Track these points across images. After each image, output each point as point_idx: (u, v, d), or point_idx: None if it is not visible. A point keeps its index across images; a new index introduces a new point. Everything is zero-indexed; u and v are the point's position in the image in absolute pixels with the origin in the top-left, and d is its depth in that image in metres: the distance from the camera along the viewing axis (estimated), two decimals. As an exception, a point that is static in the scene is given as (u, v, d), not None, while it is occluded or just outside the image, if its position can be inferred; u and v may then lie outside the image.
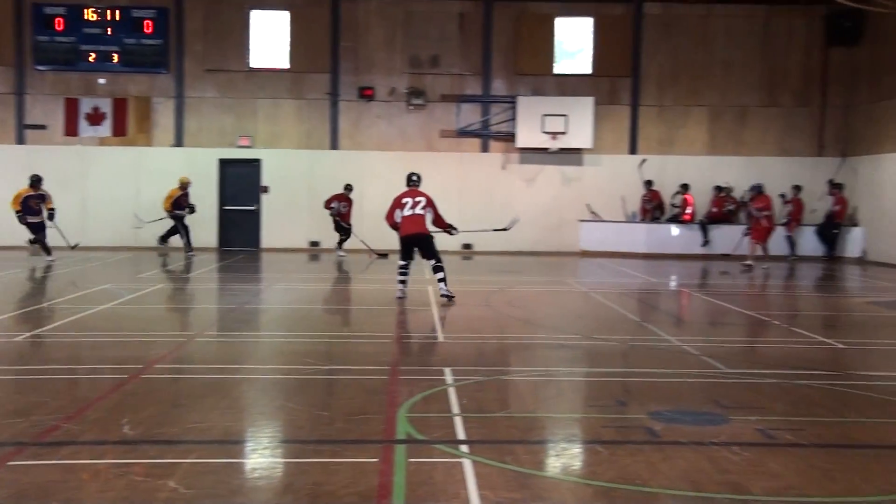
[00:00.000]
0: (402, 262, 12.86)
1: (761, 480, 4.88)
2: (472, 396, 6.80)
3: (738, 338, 10.40)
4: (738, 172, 22.78)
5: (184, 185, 20.34)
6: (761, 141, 23.23)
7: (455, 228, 13.14)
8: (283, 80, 22.81)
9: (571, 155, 22.77)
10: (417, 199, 12.81)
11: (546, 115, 22.28)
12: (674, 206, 22.55)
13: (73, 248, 19.63)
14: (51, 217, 18.39)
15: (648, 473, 4.97)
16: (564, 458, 5.41)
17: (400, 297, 12.70)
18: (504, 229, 14.95)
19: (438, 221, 12.91)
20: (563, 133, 22.24)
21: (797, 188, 21.94)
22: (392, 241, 14.04)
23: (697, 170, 22.79)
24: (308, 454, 5.35)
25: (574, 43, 23.09)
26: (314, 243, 22.66)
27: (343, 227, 20.79)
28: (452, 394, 6.85)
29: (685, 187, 22.32)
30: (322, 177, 22.56)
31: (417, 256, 13.00)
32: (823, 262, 21.46)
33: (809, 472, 5.06)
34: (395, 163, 22.69)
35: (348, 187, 20.96)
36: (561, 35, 23.00)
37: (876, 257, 21.39)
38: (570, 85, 22.94)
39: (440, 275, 12.66)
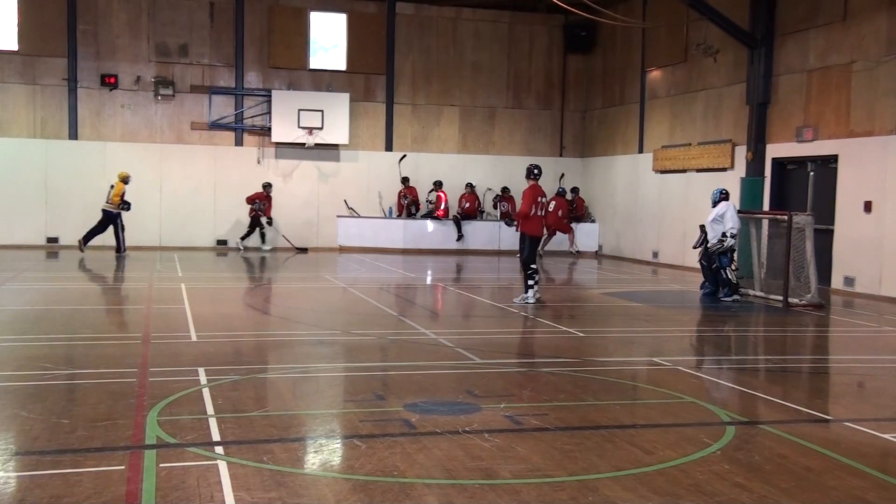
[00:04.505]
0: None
1: (510, 464, 5.12)
2: (227, 396, 6.62)
3: (490, 329, 10.85)
4: (487, 170, 23.86)
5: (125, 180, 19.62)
6: (508, 141, 24.41)
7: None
8: (12, 63, 20.98)
9: (328, 150, 22.77)
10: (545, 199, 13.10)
11: (302, 109, 22.12)
12: (429, 202, 23.17)
13: None
14: None
15: (405, 464, 5.07)
16: (323, 454, 5.39)
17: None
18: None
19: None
20: (319, 128, 22.19)
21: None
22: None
23: (450, 167, 23.56)
24: (45, 466, 4.96)
25: (329, 38, 23.07)
26: (52, 239, 21.10)
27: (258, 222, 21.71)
28: (207, 394, 6.63)
29: (438, 184, 22.99)
30: (61, 168, 21.07)
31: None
32: (565, 256, 22.89)
33: (553, 453, 5.37)
34: (142, 154, 21.66)
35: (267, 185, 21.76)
36: (316, 30, 22.89)
37: (609, 251, 23.16)
38: (326, 80, 22.91)
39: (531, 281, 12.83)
